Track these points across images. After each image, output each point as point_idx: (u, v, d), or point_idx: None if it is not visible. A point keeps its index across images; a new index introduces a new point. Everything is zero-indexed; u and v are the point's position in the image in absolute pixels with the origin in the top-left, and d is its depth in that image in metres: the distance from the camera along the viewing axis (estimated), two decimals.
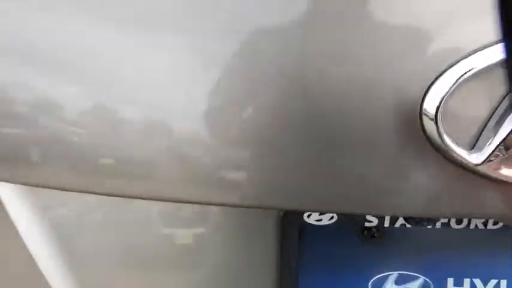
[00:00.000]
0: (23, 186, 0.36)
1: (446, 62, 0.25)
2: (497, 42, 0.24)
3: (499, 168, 0.26)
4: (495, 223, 0.34)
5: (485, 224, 0.34)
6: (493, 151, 0.25)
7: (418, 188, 0.28)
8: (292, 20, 0.27)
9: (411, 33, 0.27)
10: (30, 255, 0.38)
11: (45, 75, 0.31)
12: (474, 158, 0.25)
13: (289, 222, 0.35)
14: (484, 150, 0.25)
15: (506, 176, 0.26)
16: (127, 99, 0.29)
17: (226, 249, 0.37)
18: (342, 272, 0.37)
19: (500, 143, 0.25)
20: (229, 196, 0.29)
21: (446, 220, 0.35)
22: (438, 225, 0.35)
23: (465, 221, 0.35)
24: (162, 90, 0.29)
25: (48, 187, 0.33)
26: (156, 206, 0.35)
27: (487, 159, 0.25)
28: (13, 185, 0.37)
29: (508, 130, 0.25)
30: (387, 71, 0.27)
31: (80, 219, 0.37)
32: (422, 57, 0.26)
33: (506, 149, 0.25)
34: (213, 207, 0.35)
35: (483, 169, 0.26)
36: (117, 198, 0.34)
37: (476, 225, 0.35)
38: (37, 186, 0.34)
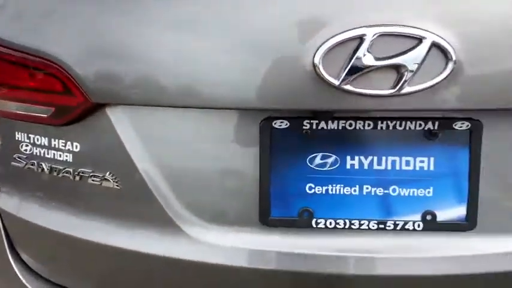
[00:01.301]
0: (128, 110, 0.71)
1: (326, 37, 0.60)
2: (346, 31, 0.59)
3: (347, 85, 0.60)
4: (374, 126, 0.68)
5: (363, 125, 0.69)
6: (343, 79, 0.60)
7: (312, 96, 0.62)
8: None
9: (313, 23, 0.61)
10: (132, 160, 0.72)
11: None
12: (336, 82, 0.60)
13: (265, 126, 0.69)
14: (340, 77, 0.60)
15: (351, 90, 0.60)
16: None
17: (230, 145, 0.71)
18: (293, 154, 0.71)
19: (346, 74, 0.60)
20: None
21: (344, 125, 0.69)
22: (340, 127, 0.69)
23: (353, 125, 0.69)
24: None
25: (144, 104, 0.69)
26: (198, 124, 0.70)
27: (341, 83, 0.60)
28: (121, 109, 0.71)
29: (349, 66, 0.59)
30: (301, 44, 0.62)
31: (168, 135, 0.72)
32: (315, 36, 0.61)
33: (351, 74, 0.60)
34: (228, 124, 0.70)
35: (341, 87, 0.61)
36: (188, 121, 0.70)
37: (360, 128, 0.69)
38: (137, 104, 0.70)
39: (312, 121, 0.69)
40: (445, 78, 0.60)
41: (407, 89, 0.61)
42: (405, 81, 0.60)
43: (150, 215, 0.75)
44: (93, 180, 0.77)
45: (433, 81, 0.60)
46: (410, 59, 0.60)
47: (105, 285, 0.83)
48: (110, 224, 0.77)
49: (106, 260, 0.79)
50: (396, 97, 0.61)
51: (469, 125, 0.68)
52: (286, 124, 0.70)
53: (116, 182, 0.75)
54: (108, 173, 0.75)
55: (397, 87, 0.60)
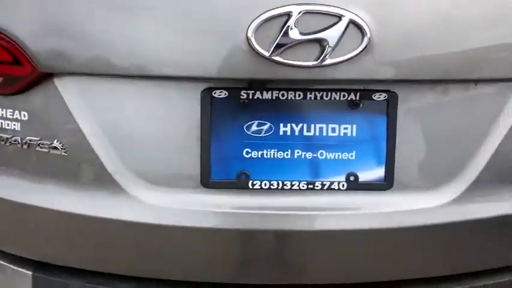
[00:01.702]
0: (75, 80, 0.75)
1: (258, 13, 0.66)
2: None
3: (277, 56, 0.67)
4: (304, 97, 0.75)
5: (294, 96, 0.76)
6: (273, 51, 0.66)
7: (247, 66, 0.69)
8: None
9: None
10: (79, 128, 0.76)
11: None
12: (267, 53, 0.67)
13: (205, 96, 0.75)
14: (270, 49, 0.67)
15: (280, 60, 0.67)
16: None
17: (173, 114, 0.76)
18: (232, 121, 0.77)
19: (275, 47, 0.66)
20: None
21: (277, 95, 0.76)
22: (274, 97, 0.76)
23: (286, 95, 0.76)
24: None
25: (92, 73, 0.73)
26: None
27: (271, 54, 0.67)
28: (69, 79, 0.75)
29: (278, 40, 0.66)
30: (236, 19, 0.68)
31: (114, 104, 0.76)
32: (249, 11, 0.67)
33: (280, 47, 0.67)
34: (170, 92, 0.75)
35: (271, 58, 0.67)
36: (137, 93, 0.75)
37: (291, 98, 0.76)
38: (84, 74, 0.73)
39: (248, 91, 0.76)
40: (360, 52, 0.69)
41: (328, 61, 0.69)
42: (326, 53, 0.68)
43: (96, 180, 0.79)
44: (41, 148, 0.80)
45: (350, 54, 0.69)
46: (331, 34, 0.67)
47: (53, 249, 0.86)
48: (57, 189, 0.81)
49: (54, 225, 0.82)
50: (319, 68, 0.69)
51: (386, 96, 0.77)
52: (225, 94, 0.76)
53: (64, 149, 0.79)
54: (55, 141, 0.79)
55: (320, 59, 0.68)
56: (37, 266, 0.87)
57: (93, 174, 0.79)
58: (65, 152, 0.79)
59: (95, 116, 0.77)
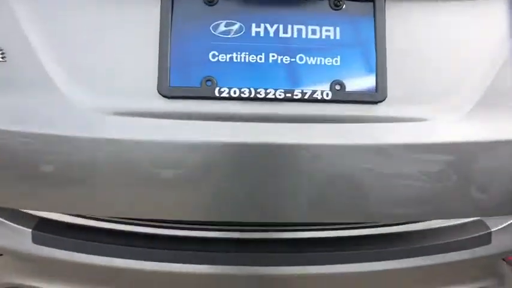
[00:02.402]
0: None
1: None
2: None
3: None
4: None
5: None
6: None
7: None
8: None
9: None
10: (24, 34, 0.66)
11: None
12: None
13: None
14: None
15: None
16: None
17: (129, 12, 0.66)
18: (196, 20, 0.67)
19: None
20: None
21: None
22: None
23: None
24: None
25: None
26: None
27: None
28: None
29: None
30: None
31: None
32: None
33: None
34: None
35: None
36: None
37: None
38: None
39: None
40: None
41: None
42: None
43: (39, 91, 0.66)
44: None
45: None
46: None
47: None
48: None
49: None
50: None
51: None
52: None
53: (2, 55, 0.68)
54: None
55: None
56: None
57: (36, 85, 0.67)
58: (3, 59, 0.68)
59: (41, 20, 0.67)
